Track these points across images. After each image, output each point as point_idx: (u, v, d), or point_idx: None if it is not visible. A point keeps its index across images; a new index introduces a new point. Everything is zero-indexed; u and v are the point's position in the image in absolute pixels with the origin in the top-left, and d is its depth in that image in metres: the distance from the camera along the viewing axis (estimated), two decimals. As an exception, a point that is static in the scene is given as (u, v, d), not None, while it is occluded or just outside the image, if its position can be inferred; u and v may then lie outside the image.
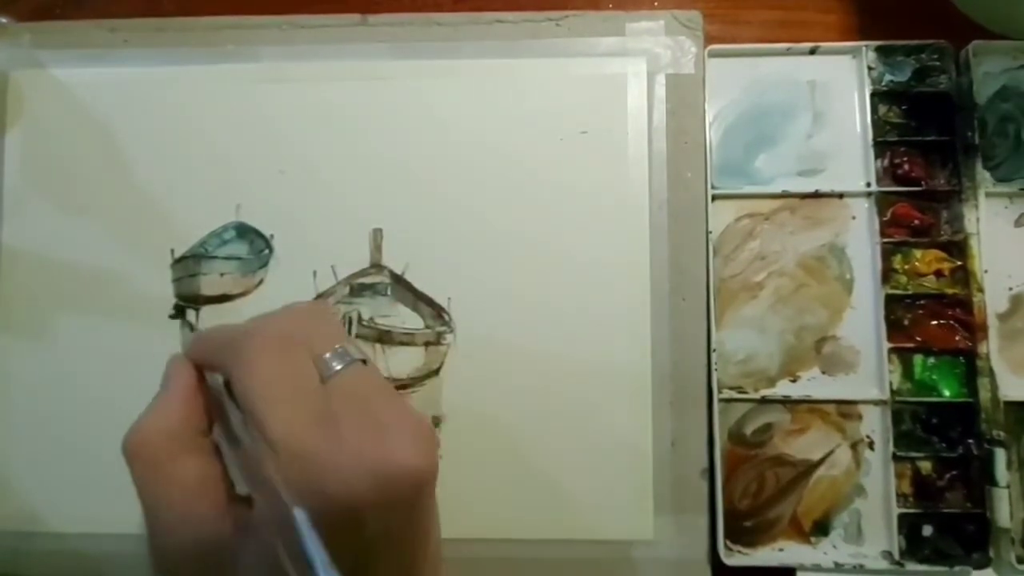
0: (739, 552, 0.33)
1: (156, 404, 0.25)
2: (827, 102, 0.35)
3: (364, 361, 0.24)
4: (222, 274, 0.35)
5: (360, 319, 0.34)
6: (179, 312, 0.35)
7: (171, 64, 0.36)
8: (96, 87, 0.36)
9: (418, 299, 0.34)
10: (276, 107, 0.35)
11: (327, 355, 0.23)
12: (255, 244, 0.35)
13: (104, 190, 0.36)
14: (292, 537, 0.20)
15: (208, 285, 0.35)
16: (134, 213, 0.35)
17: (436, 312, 0.34)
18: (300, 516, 0.20)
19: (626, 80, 0.35)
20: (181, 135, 0.36)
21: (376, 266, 0.34)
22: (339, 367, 0.23)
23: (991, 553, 0.32)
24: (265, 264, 0.35)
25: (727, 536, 0.32)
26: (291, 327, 0.24)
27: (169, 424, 0.24)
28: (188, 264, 0.35)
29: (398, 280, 0.34)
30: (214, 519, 0.23)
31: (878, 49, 0.35)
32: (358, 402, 0.23)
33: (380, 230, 0.35)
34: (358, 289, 0.34)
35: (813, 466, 0.33)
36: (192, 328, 0.35)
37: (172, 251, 0.35)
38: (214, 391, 0.25)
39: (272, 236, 0.35)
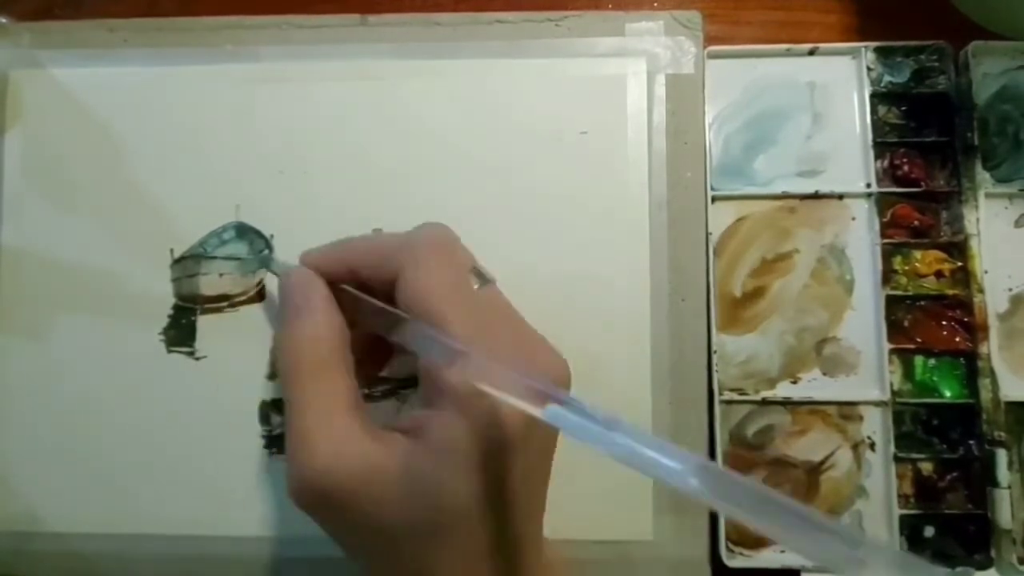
0: (741, 554, 0.33)
1: (300, 316, 0.24)
2: (826, 103, 0.36)
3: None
4: (221, 274, 0.35)
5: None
6: (179, 312, 0.36)
7: (171, 64, 0.36)
8: (96, 87, 0.37)
9: (418, 299, 0.35)
10: (276, 107, 0.36)
11: (471, 269, 0.25)
12: (255, 244, 0.36)
13: (104, 190, 0.36)
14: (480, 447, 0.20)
15: (207, 285, 0.35)
16: (134, 213, 0.36)
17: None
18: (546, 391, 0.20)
19: (626, 80, 0.35)
20: (181, 135, 0.36)
21: (376, 266, 0.35)
22: (478, 285, 0.25)
23: (992, 554, 0.32)
24: (265, 264, 0.35)
25: (729, 537, 0.33)
26: (446, 239, 0.25)
27: (323, 334, 0.23)
28: (187, 264, 0.36)
29: (398, 280, 0.35)
30: (372, 442, 0.22)
31: (877, 50, 0.36)
32: (504, 316, 0.24)
33: (380, 230, 0.35)
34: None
35: (814, 468, 0.34)
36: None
37: (171, 251, 0.36)
38: (349, 302, 0.25)
39: (272, 236, 0.35)
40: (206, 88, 0.36)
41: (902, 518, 0.33)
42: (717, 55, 0.36)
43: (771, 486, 0.34)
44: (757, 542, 0.33)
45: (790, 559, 0.33)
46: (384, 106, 0.36)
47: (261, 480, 0.34)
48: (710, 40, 0.36)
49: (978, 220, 0.34)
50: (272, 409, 0.34)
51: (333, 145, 0.36)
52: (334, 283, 0.26)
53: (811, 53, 0.36)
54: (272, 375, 0.35)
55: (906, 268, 0.35)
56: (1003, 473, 0.32)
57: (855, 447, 0.34)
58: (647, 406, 0.34)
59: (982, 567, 0.32)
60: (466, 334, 0.22)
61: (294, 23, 0.36)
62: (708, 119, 0.36)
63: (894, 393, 0.34)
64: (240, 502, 0.34)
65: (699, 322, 0.34)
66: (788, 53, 0.36)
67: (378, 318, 0.24)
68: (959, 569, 0.31)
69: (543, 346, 0.24)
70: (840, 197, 0.35)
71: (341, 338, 0.24)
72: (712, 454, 0.33)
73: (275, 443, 0.34)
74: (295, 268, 0.26)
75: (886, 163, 0.36)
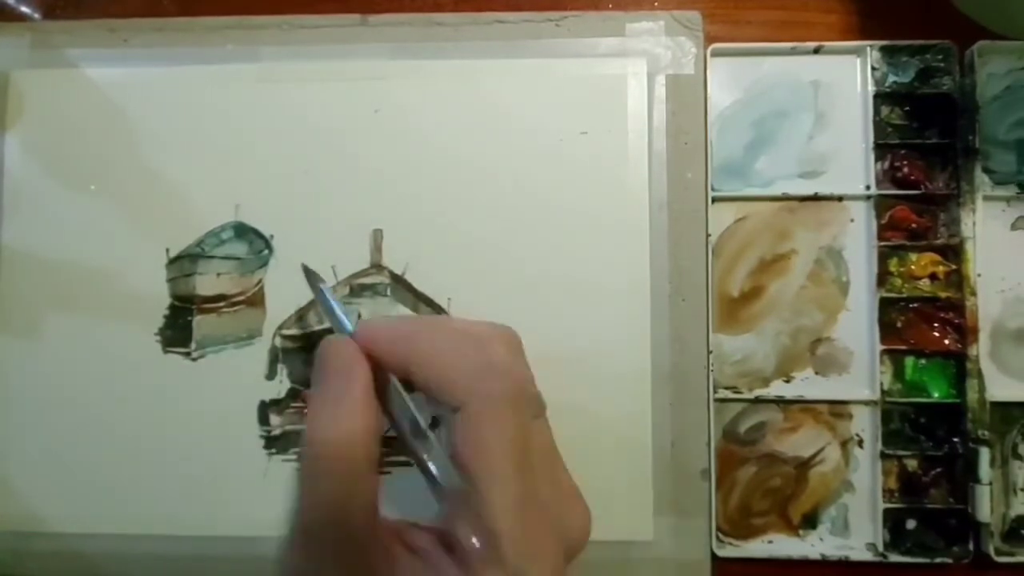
0: (730, 544, 0.38)
1: (337, 407, 0.24)
2: (830, 103, 0.39)
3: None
4: (219, 274, 0.38)
5: (360, 320, 0.38)
6: (174, 312, 0.38)
7: (171, 64, 0.39)
8: (96, 87, 0.39)
9: (418, 299, 0.38)
10: (276, 107, 0.39)
11: (529, 398, 0.25)
12: (254, 244, 0.38)
13: (104, 190, 0.39)
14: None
15: (204, 285, 0.38)
16: (135, 213, 0.39)
17: (436, 312, 0.38)
18: None
19: (626, 81, 0.38)
20: (180, 135, 0.39)
21: (376, 266, 0.38)
22: (534, 416, 0.25)
23: (971, 546, 0.36)
24: (264, 264, 0.38)
25: (720, 529, 0.37)
26: (520, 382, 0.25)
27: (357, 431, 0.23)
28: (184, 264, 0.38)
29: (398, 280, 0.38)
30: (383, 543, 0.24)
31: (883, 49, 0.39)
32: (546, 464, 0.26)
33: (380, 230, 0.38)
34: (358, 289, 0.38)
35: (804, 463, 0.38)
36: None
37: (167, 251, 0.39)
38: (393, 394, 0.25)
39: (272, 236, 0.38)
40: (206, 88, 0.39)
41: (886, 511, 0.37)
42: (720, 53, 0.39)
43: (761, 480, 0.38)
44: (747, 533, 0.38)
45: (776, 549, 0.37)
46: (384, 106, 0.39)
47: (261, 480, 0.37)
48: (711, 40, 0.39)
49: (975, 223, 0.38)
50: (271, 409, 0.38)
51: (333, 145, 0.39)
52: (379, 368, 0.26)
53: (816, 51, 0.39)
54: (271, 375, 0.38)
55: (901, 270, 0.38)
56: (985, 470, 0.36)
57: (844, 444, 0.38)
58: (647, 406, 0.37)
59: (960, 558, 0.36)
60: (508, 510, 0.23)
61: (294, 23, 0.39)
62: (711, 118, 0.39)
63: (884, 392, 0.38)
64: (240, 502, 0.37)
65: (699, 322, 0.38)
66: (792, 51, 0.39)
67: (415, 436, 0.25)
68: None
69: (574, 499, 0.27)
70: (840, 199, 0.39)
71: (375, 438, 0.24)
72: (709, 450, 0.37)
73: (274, 443, 0.38)
74: (339, 339, 0.26)
75: (886, 165, 0.39)
